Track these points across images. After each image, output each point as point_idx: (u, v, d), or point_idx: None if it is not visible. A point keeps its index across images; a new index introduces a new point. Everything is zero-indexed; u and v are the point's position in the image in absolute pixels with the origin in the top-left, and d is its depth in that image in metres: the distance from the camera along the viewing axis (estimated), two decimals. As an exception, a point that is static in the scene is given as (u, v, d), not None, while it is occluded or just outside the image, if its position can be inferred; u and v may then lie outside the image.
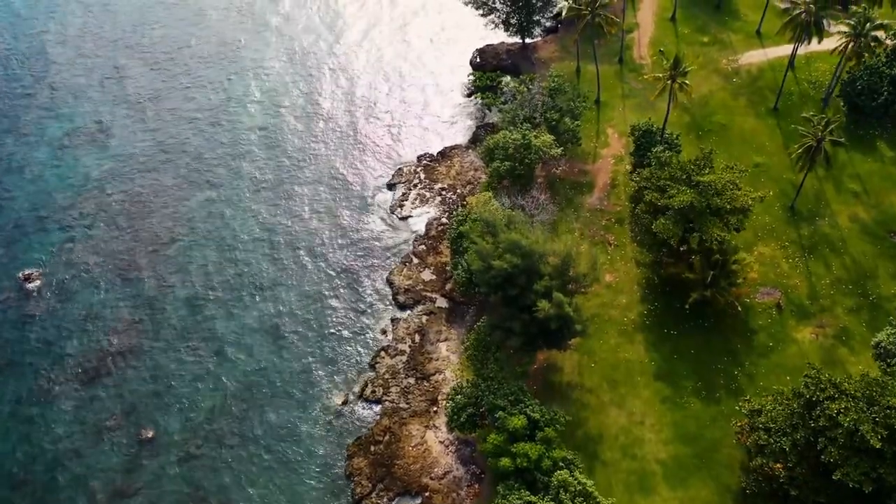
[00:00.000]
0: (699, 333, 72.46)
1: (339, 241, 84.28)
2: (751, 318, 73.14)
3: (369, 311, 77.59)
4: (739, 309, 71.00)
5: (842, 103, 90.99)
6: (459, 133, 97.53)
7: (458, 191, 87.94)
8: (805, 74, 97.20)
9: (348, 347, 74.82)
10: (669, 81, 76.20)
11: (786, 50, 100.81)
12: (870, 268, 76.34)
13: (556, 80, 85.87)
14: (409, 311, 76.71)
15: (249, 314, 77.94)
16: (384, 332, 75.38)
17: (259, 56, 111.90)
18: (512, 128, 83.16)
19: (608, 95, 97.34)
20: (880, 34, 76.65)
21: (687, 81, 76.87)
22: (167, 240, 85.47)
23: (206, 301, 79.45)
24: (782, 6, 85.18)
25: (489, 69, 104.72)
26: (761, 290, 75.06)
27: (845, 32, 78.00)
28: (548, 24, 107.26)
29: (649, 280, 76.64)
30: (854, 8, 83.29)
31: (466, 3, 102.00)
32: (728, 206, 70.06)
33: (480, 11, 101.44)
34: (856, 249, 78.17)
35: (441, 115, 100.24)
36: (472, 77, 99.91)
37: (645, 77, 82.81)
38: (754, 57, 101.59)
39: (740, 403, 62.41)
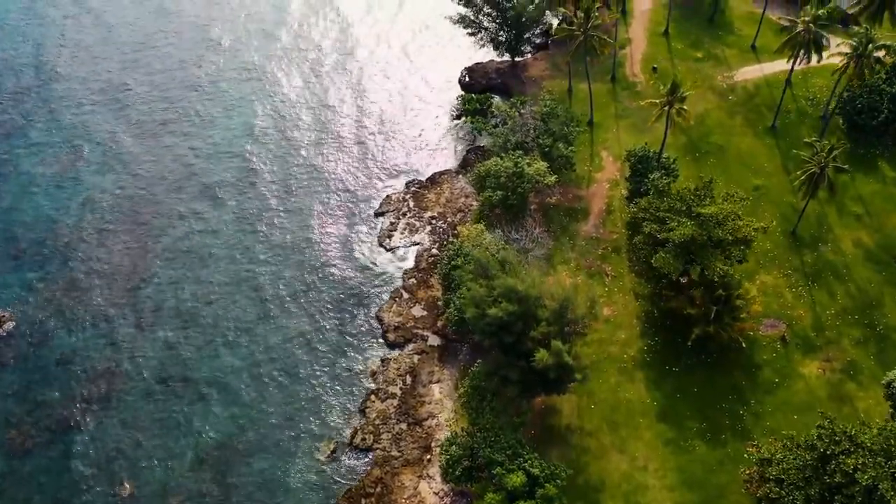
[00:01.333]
0: (702, 370, 69.65)
1: (325, 276, 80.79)
2: (755, 352, 70.39)
3: (358, 351, 74.19)
4: (743, 344, 68.23)
5: (841, 121, 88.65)
6: (449, 157, 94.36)
7: (449, 219, 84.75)
8: (802, 91, 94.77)
9: (336, 391, 71.42)
10: (667, 107, 73.22)
11: (782, 65, 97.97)
12: (876, 296, 73.78)
13: (548, 104, 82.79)
14: (399, 351, 73.41)
15: (230, 357, 74.33)
16: (374, 373, 72.05)
17: (236, 86, 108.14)
18: (503, 154, 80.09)
19: (601, 116, 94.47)
20: (882, 55, 74.03)
21: (685, 107, 74.00)
22: (145, 276, 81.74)
23: (184, 343, 75.76)
24: (782, 23, 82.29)
25: (478, 88, 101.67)
26: (765, 322, 72.33)
27: (847, 53, 75.36)
28: (537, 40, 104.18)
29: (649, 313, 73.75)
30: (856, 28, 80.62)
31: (454, 23, 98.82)
32: (730, 238, 67.39)
33: (469, 30, 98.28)
34: (860, 276, 75.63)
35: (430, 138, 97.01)
36: (460, 99, 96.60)
37: (642, 104, 79.85)
38: (750, 73, 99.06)
39: (749, 450, 59.65)
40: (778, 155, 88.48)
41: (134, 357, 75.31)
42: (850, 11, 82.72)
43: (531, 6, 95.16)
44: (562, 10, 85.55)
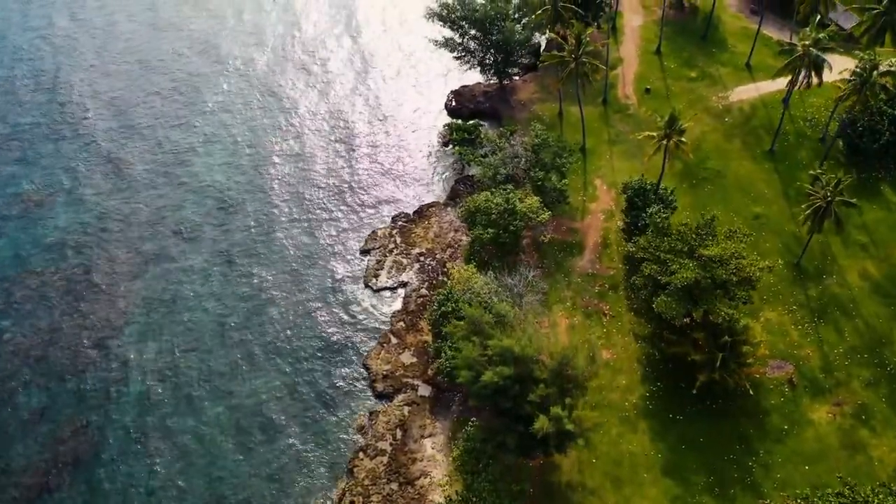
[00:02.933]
0: (707, 417, 66.19)
1: (309, 321, 76.50)
2: (762, 396, 67.06)
3: (344, 402, 70.06)
4: (750, 391, 64.85)
5: (841, 144, 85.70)
6: (436, 187, 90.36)
7: (438, 256, 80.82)
8: (800, 111, 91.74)
9: (322, 448, 67.28)
10: (664, 141, 69.71)
11: (778, 84, 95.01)
12: (885, 332, 70.68)
13: (540, 135, 79.02)
14: (388, 402, 69.36)
15: (209, 411, 69.99)
16: (361, 428, 67.99)
17: (212, 116, 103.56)
18: (493, 189, 76.36)
19: (594, 141, 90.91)
20: (887, 81, 70.89)
21: (683, 139, 70.51)
22: (117, 325, 77.12)
23: (159, 398, 71.29)
24: (781, 46, 79.06)
25: (465, 113, 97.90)
26: (771, 364, 68.97)
27: (850, 80, 72.19)
28: (525, 60, 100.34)
29: (650, 356, 70.23)
30: (860, 54, 77.51)
31: (439, 46, 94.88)
32: (734, 279, 64.04)
33: (454, 54, 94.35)
34: (868, 311, 72.52)
35: (416, 167, 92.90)
36: (447, 128, 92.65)
37: (639, 137, 76.35)
38: (745, 92, 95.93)
39: (762, 514, 56.43)
40: (777, 180, 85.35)
41: (106, 414, 70.76)
42: (852, 31, 79.43)
43: (519, 28, 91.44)
44: (552, 35, 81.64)
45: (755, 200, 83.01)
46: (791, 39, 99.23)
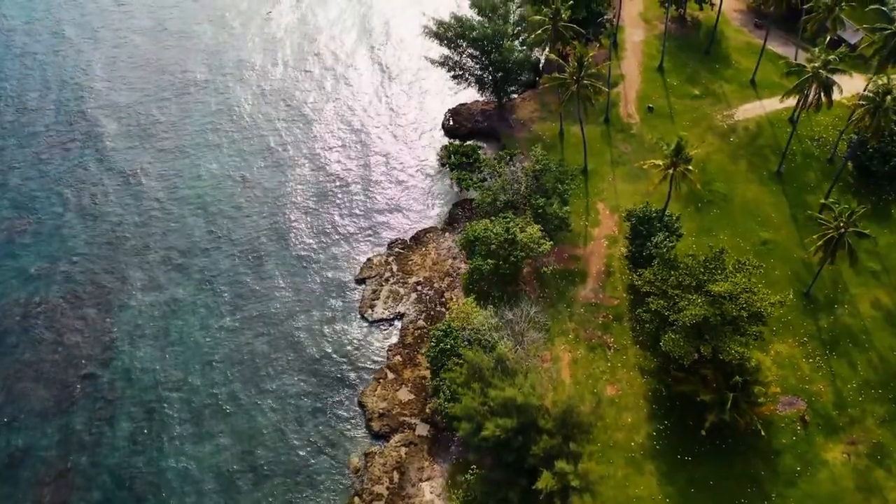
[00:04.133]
0: (717, 458, 63.65)
1: (301, 355, 73.63)
2: (773, 435, 64.51)
3: (339, 443, 67.26)
4: (762, 432, 62.23)
5: (850, 165, 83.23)
6: (434, 211, 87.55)
7: (436, 285, 78.11)
8: (807, 130, 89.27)
9: (316, 492, 64.43)
10: (671, 170, 67.09)
11: (784, 102, 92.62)
12: (899, 366, 68.37)
13: (540, 160, 76.31)
14: (384, 442, 66.60)
15: (198, 452, 67.09)
16: (357, 470, 65.27)
17: (200, 136, 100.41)
18: (493, 217, 73.73)
19: (596, 162, 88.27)
20: (901, 106, 68.42)
21: (690, 167, 67.91)
22: (103, 360, 74.20)
23: (146, 438, 68.40)
24: (789, 67, 76.54)
25: (463, 132, 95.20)
26: (782, 400, 66.44)
27: (862, 105, 69.69)
28: (524, 77, 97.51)
29: (656, 392, 67.61)
30: (873, 78, 75.00)
31: (435, 65, 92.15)
32: (744, 314, 61.47)
33: (451, 73, 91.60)
34: (882, 344, 70.08)
35: (413, 191, 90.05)
36: (444, 151, 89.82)
37: (644, 167, 73.73)
38: (751, 110, 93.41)
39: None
40: (785, 203, 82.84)
41: (92, 455, 67.89)
42: (862, 51, 76.89)
43: (518, 46, 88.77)
44: (552, 56, 78.96)
45: (763, 225, 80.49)
46: (797, 56, 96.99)
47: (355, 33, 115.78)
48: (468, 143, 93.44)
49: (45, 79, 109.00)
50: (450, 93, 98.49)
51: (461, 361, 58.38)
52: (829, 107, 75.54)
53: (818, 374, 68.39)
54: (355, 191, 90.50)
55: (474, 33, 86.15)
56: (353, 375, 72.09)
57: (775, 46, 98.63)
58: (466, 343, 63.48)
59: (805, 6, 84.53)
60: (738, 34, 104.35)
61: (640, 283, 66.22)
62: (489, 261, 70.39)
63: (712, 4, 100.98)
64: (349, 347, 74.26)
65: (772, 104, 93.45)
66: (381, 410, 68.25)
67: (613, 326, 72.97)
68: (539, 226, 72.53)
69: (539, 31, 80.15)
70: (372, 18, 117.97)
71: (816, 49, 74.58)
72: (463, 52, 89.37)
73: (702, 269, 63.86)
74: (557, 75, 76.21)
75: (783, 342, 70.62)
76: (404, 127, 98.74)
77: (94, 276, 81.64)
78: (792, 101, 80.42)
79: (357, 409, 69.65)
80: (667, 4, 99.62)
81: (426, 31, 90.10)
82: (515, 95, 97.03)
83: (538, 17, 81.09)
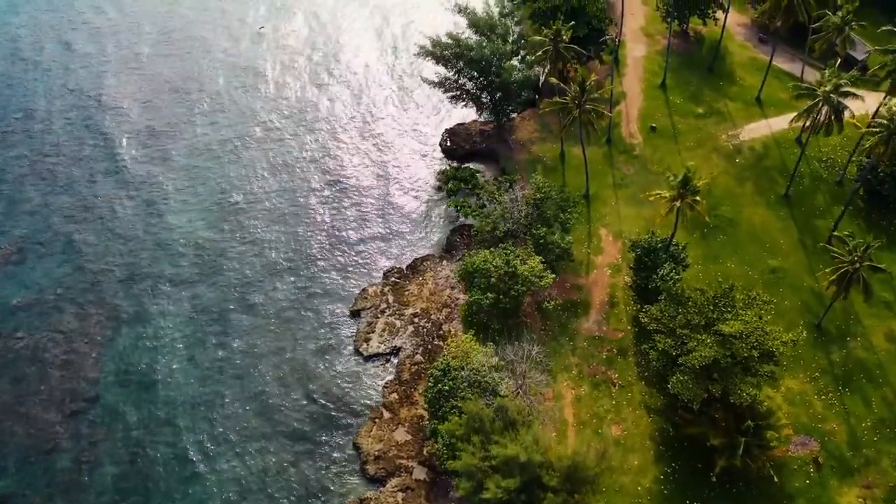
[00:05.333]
0: (727, 503, 61.09)
1: (293, 394, 70.71)
2: (786, 479, 61.87)
3: (332, 489, 64.28)
4: (775, 478, 59.60)
5: (860, 190, 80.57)
6: (431, 238, 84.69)
7: (433, 317, 75.36)
8: (815, 150, 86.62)
9: (309, 543, 61.98)
10: (678, 202, 64.42)
11: (789, 119, 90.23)
12: (915, 403, 65.84)
13: (541, 188, 73.58)
14: (380, 487, 63.80)
15: (184, 500, 64.33)
16: (352, 519, 62.66)
17: (189, 158, 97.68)
18: (492, 248, 71.05)
19: (598, 185, 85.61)
20: (917, 133, 65.83)
21: (698, 198, 65.25)
22: (88, 398, 71.37)
23: (133, 480, 65.58)
24: (798, 91, 73.95)
25: (461, 153, 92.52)
26: (794, 441, 63.83)
27: (876, 131, 67.09)
28: (524, 94, 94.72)
29: (663, 432, 64.96)
30: (885, 102, 72.45)
31: (433, 86, 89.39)
32: (756, 354, 58.83)
33: (449, 94, 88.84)
34: (897, 379, 67.66)
35: (409, 216, 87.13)
36: (442, 176, 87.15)
37: (650, 199, 71.05)
38: (756, 130, 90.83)
39: None
40: (794, 228, 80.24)
41: (77, 499, 65.12)
42: (875, 73, 74.27)
43: (516, 65, 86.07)
44: (553, 80, 76.29)
45: (771, 252, 77.88)
46: (803, 72, 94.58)
47: (349, 50, 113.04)
48: (466, 165, 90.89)
49: (30, 100, 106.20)
50: (447, 112, 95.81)
51: (460, 405, 55.63)
52: (839, 131, 72.99)
53: (831, 412, 65.80)
54: (349, 216, 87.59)
55: (472, 53, 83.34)
56: (347, 414, 69.30)
57: (781, 62, 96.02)
58: (466, 384, 60.79)
59: (813, 25, 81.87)
60: (742, 49, 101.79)
61: (646, 320, 63.52)
62: (489, 294, 67.72)
63: (716, 20, 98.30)
64: (343, 384, 71.44)
65: (778, 123, 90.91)
66: (376, 453, 65.51)
67: (618, 361, 70.31)
68: (540, 257, 69.82)
69: (539, 53, 77.46)
70: (366, 35, 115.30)
71: (827, 71, 71.97)
72: (461, 72, 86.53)
73: (711, 307, 61.22)
74: (559, 99, 73.49)
75: (794, 378, 67.99)
76: (400, 148, 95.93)
77: (79, 308, 78.74)
78: (799, 121, 78.07)
79: (352, 450, 66.87)
80: (669, 19, 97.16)
81: (422, 50, 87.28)
82: (515, 114, 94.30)
83: (539, 38, 78.43)
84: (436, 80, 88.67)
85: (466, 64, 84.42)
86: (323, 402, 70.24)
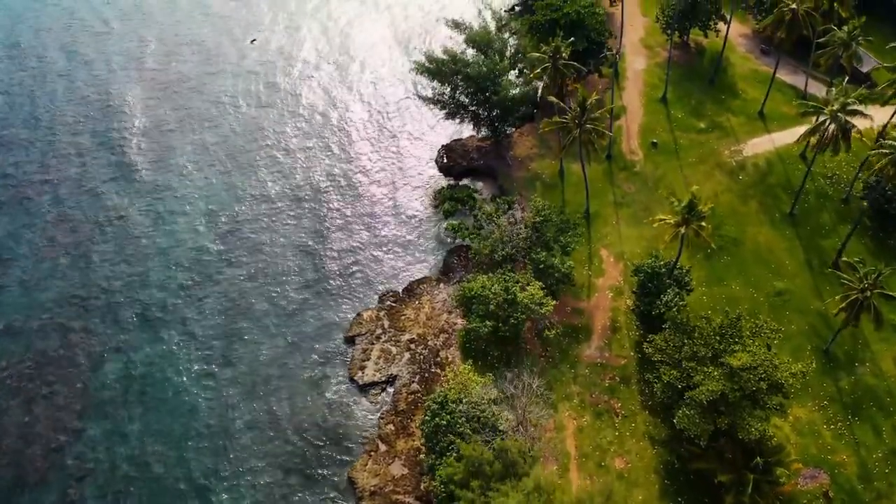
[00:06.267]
0: (736, 540, 59.07)
1: (286, 425, 68.37)
2: (795, 513, 60.06)
3: (328, 527, 62.45)
4: (784, 512, 57.81)
5: (866, 205, 78.57)
6: (428, 259, 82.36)
7: (430, 342, 73.17)
8: (820, 167, 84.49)
9: (303, 583, 59.77)
10: (683, 228, 62.37)
11: (794, 134, 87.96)
12: (926, 432, 63.93)
13: (541, 211, 71.42)
14: (377, 526, 61.79)
15: (175, 541, 62.24)
16: (348, 559, 60.51)
17: (178, 179, 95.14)
18: (491, 273, 68.95)
19: (598, 204, 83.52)
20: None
21: (704, 223, 63.21)
22: (74, 430, 68.97)
23: (122, 518, 63.59)
24: (805, 109, 72.07)
25: (458, 171, 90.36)
26: (804, 472, 61.86)
27: (887, 154, 65.14)
28: (522, 108, 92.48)
29: (668, 465, 62.89)
30: (892, 121, 70.51)
31: (427, 102, 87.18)
32: (764, 386, 56.83)
33: (445, 111, 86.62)
34: (907, 407, 65.74)
35: (405, 236, 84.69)
36: (438, 197, 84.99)
37: (654, 225, 69.05)
38: (760, 145, 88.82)
39: None
40: (799, 249, 78.25)
41: (60, 539, 62.94)
42: (884, 90, 72.28)
43: (514, 80, 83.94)
44: (552, 100, 74.18)
45: (776, 273, 75.87)
46: (807, 85, 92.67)
47: (341, 64, 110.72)
48: (463, 182, 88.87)
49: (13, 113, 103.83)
50: (443, 128, 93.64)
51: (457, 442, 53.46)
52: (847, 150, 71.03)
53: (841, 443, 63.83)
54: (343, 238, 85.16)
55: (469, 70, 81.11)
56: (342, 447, 67.05)
57: (784, 74, 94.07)
58: (464, 418, 58.65)
59: (819, 40, 79.89)
60: (744, 61, 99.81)
61: (650, 350, 61.52)
62: (487, 322, 65.63)
63: (717, 31, 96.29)
64: (338, 415, 69.18)
65: (781, 138, 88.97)
66: (372, 488, 63.31)
67: (620, 389, 68.21)
68: (540, 282, 67.70)
69: (538, 70, 75.35)
70: (359, 49, 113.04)
71: (834, 89, 70.03)
72: (457, 88, 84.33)
73: (717, 337, 59.21)
74: (559, 119, 71.37)
75: (802, 406, 65.97)
76: (395, 165, 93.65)
77: (65, 334, 76.32)
78: (805, 139, 76.12)
79: (347, 485, 64.63)
80: (669, 31, 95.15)
81: (418, 66, 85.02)
82: (513, 129, 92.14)
83: (537, 55, 76.32)
84: (431, 96, 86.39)
85: (463, 80, 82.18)
86: (316, 433, 67.97)
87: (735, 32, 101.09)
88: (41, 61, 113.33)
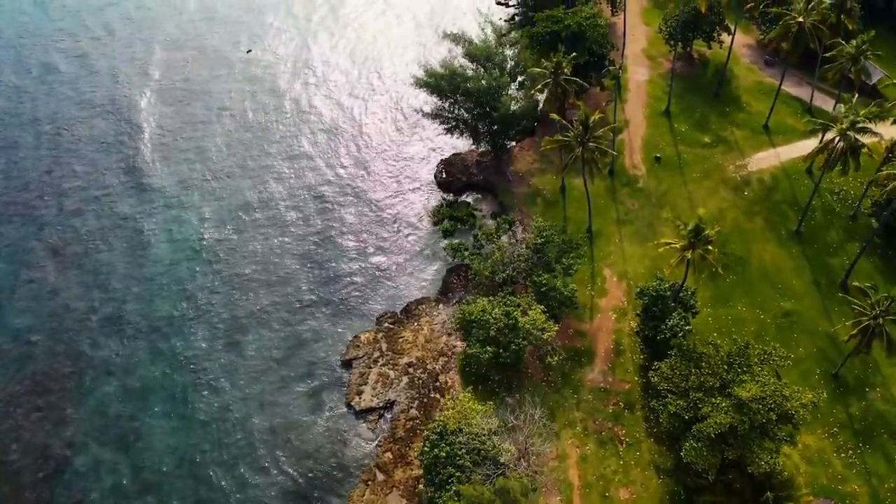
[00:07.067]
0: (745, 575, 57.34)
1: (281, 455, 66.42)
2: (806, 547, 58.26)
3: (323, 562, 60.63)
4: (796, 550, 56.05)
5: (875, 223, 76.86)
6: (426, 278, 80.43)
7: (429, 366, 71.32)
8: (827, 182, 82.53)
9: None
10: (689, 251, 60.58)
11: (799, 149, 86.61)
12: (940, 461, 62.18)
13: (542, 233, 69.54)
14: (375, 560, 60.00)
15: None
16: None
17: (170, 197, 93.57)
18: (491, 297, 67.15)
19: (601, 221, 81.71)
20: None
21: (710, 247, 61.42)
22: (63, 457, 66.58)
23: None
24: (813, 127, 70.35)
25: (457, 186, 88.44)
26: (814, 503, 60.21)
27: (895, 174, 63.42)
28: (523, 123, 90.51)
29: (675, 496, 60.99)
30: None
31: (426, 117, 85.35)
32: (774, 417, 55.08)
33: (444, 126, 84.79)
34: (920, 434, 63.97)
35: (403, 254, 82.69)
36: (437, 214, 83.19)
37: (660, 250, 67.26)
38: (765, 160, 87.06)
39: None
40: (807, 268, 76.46)
41: (48, 573, 61.10)
42: (894, 107, 70.45)
43: (513, 94, 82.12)
44: (554, 117, 72.35)
45: (783, 293, 74.10)
46: (812, 97, 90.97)
47: (337, 75, 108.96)
48: (463, 198, 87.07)
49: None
50: (442, 142, 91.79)
51: (457, 475, 51.70)
52: (856, 169, 69.24)
53: (852, 472, 62.03)
54: (340, 256, 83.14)
55: (469, 85, 79.20)
56: (338, 476, 65.12)
57: (789, 86, 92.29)
58: (464, 450, 56.85)
59: (826, 54, 78.14)
60: (748, 72, 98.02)
61: (656, 379, 59.71)
62: (488, 348, 63.82)
63: (721, 42, 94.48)
64: (334, 443, 67.31)
65: (787, 152, 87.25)
66: (369, 520, 61.53)
67: (625, 416, 66.38)
68: (542, 306, 65.88)
69: (539, 86, 73.56)
70: (355, 60, 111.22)
71: (843, 107, 68.28)
72: (456, 103, 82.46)
73: (725, 366, 57.44)
74: (560, 137, 69.55)
75: (811, 433, 64.13)
76: (393, 181, 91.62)
77: (55, 357, 74.37)
78: (810, 149, 74.25)
79: (343, 516, 62.91)
80: (672, 42, 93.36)
81: (417, 81, 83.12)
82: (513, 143, 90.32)
83: (538, 70, 74.52)
84: (430, 110, 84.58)
85: (462, 95, 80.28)
86: (312, 462, 66.10)
87: (738, 42, 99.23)
88: (45, 68, 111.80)
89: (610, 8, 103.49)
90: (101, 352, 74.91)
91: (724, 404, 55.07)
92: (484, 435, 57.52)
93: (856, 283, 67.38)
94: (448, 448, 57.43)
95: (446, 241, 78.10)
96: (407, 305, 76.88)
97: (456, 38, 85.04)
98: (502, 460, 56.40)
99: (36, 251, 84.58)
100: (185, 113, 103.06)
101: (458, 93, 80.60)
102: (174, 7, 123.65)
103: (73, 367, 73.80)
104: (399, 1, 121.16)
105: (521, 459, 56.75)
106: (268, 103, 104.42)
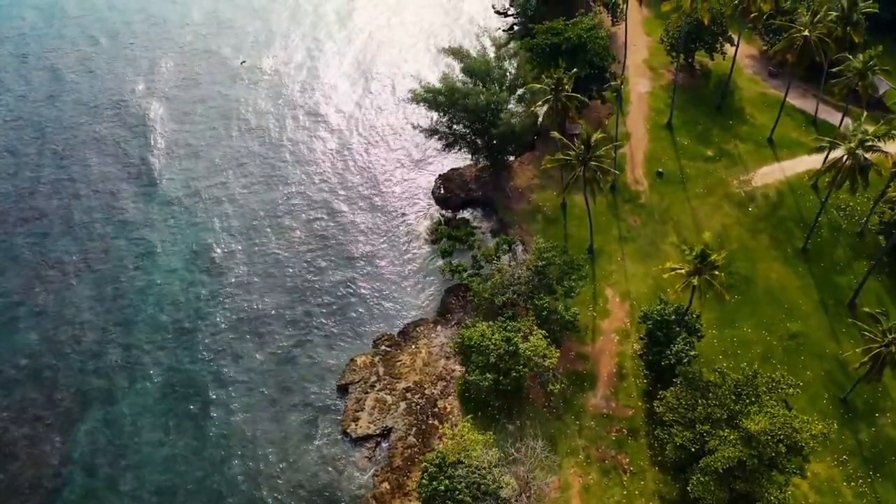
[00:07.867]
0: None
1: (274, 485, 64.25)
2: (816, 581, 56.61)
3: None
4: (806, 586, 54.37)
5: (882, 240, 75.20)
6: (424, 299, 78.47)
7: (427, 391, 69.46)
8: (832, 198, 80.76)
9: None
10: (694, 277, 58.82)
11: (804, 163, 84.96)
12: (953, 490, 60.47)
13: (544, 255, 67.69)
14: None
15: None
16: None
17: (163, 208, 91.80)
18: (491, 321, 65.33)
19: (602, 239, 79.90)
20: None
21: (717, 272, 59.66)
22: (51, 488, 64.48)
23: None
24: (818, 145, 68.72)
25: (456, 202, 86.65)
26: (824, 536, 58.64)
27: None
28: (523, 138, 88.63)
29: (681, 528, 59.53)
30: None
31: (423, 132, 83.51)
32: (783, 449, 53.36)
33: (442, 142, 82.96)
34: (932, 462, 62.25)
35: (400, 274, 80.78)
36: (435, 233, 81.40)
37: (665, 276, 65.50)
38: (770, 174, 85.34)
39: None
40: (813, 287, 74.71)
41: None
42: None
43: (515, 112, 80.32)
44: (555, 135, 70.57)
45: (790, 314, 72.34)
46: (817, 110, 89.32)
47: (334, 89, 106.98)
48: (461, 215, 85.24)
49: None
50: (440, 157, 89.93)
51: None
52: (864, 188, 67.62)
53: (862, 502, 60.29)
54: (335, 276, 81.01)
55: (467, 101, 77.32)
56: (334, 507, 63.45)
57: (793, 98, 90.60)
58: (464, 484, 55.04)
59: (832, 70, 76.42)
60: (751, 84, 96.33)
61: (661, 409, 57.96)
62: (488, 375, 61.96)
63: (724, 54, 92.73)
64: (329, 472, 65.39)
65: (792, 167, 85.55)
66: (366, 554, 59.68)
67: (628, 443, 64.57)
68: (543, 331, 64.08)
69: (539, 103, 71.80)
70: (351, 73, 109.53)
71: (851, 124, 66.58)
72: (454, 118, 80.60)
73: (733, 397, 55.67)
74: (562, 156, 67.76)
75: (820, 461, 62.34)
76: (390, 197, 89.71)
77: (43, 384, 72.28)
78: (815, 163, 72.69)
79: (339, 550, 61.13)
80: (674, 53, 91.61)
81: (414, 96, 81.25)
82: (513, 158, 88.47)
83: (539, 86, 72.75)
84: (427, 126, 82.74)
85: (461, 110, 78.41)
86: (307, 492, 64.13)
87: (741, 53, 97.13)
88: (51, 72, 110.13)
89: (611, 18, 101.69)
90: (89, 378, 72.55)
91: (732, 437, 53.34)
92: (484, 468, 55.66)
93: (866, 309, 65.55)
94: (447, 482, 55.57)
95: (444, 261, 76.03)
96: (404, 327, 75.03)
97: (454, 53, 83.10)
98: (503, 495, 54.63)
99: (19, 276, 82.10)
100: (188, 122, 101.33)
101: (456, 108, 78.65)
102: (179, 15, 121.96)
103: (61, 395, 71.42)
104: (406, 13, 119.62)
105: (523, 494, 54.95)
106: (270, 113, 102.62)
